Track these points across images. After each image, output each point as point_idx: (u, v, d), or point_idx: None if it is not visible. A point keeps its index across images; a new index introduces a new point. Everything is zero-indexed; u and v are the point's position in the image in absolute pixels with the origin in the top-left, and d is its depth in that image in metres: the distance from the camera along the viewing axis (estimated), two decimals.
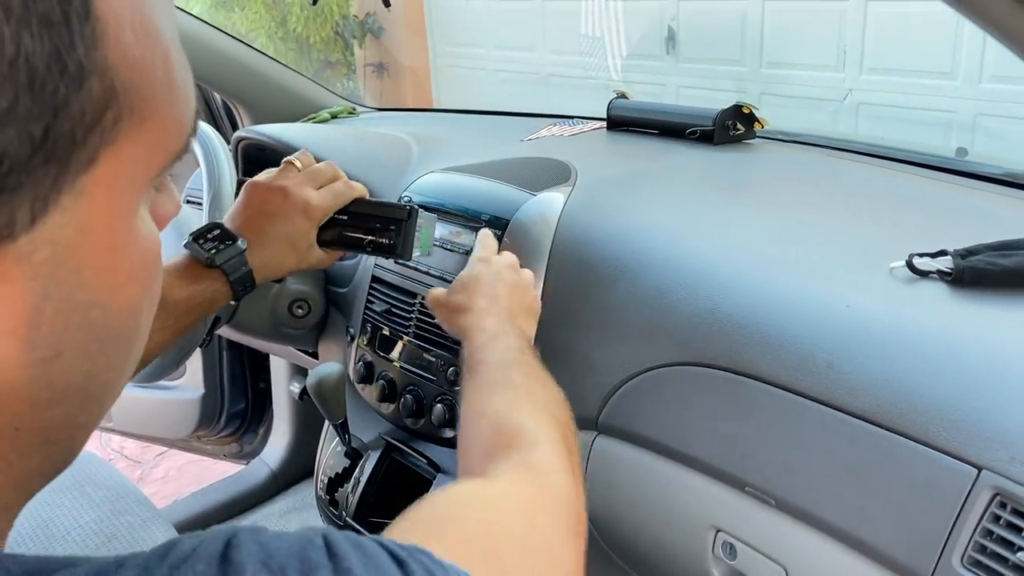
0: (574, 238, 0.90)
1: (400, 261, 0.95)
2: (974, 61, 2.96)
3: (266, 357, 1.67)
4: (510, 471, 0.53)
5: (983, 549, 0.58)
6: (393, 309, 1.02)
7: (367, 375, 1.04)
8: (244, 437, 1.86)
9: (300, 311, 1.11)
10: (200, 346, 1.08)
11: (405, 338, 1.00)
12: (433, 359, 0.97)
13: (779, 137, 1.21)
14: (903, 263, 0.74)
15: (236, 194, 1.07)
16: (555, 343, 0.89)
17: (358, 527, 1.03)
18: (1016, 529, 0.57)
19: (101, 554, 1.08)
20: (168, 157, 0.29)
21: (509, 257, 0.85)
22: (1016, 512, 0.57)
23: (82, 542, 1.04)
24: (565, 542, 0.47)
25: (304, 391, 1.06)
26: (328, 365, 0.98)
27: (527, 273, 0.84)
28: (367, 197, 0.87)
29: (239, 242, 0.77)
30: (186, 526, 1.66)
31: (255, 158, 1.33)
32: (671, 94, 3.94)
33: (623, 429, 0.83)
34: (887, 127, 3.29)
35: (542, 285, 0.90)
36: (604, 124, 1.29)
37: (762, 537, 0.73)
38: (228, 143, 1.27)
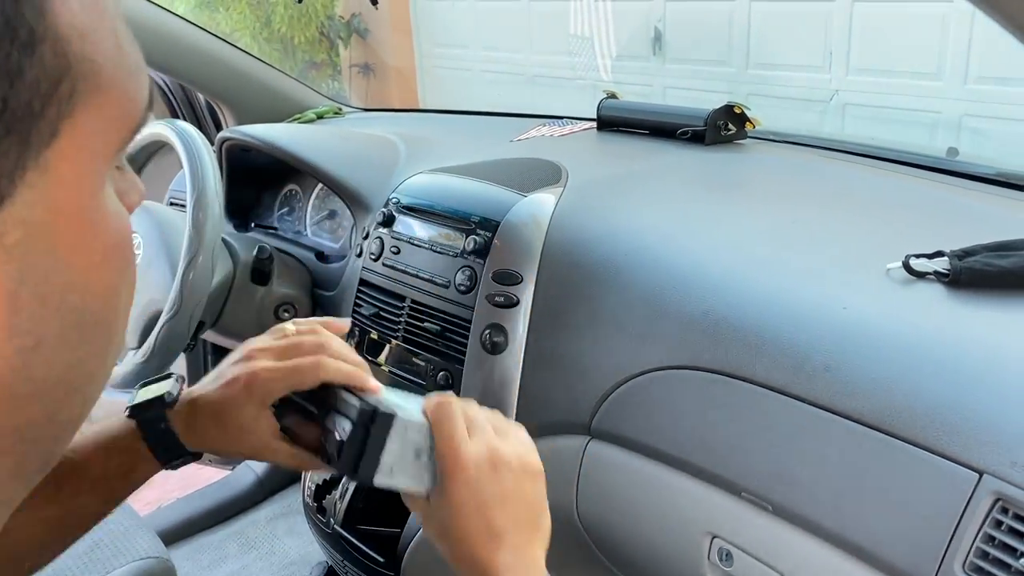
0: (565, 240, 0.89)
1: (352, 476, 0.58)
2: (960, 62, 2.97)
3: None
4: None
5: (985, 555, 0.57)
6: (381, 312, 1.00)
7: None
8: None
9: (287, 315, 1.09)
10: (184, 350, 1.06)
11: (394, 342, 0.99)
12: (423, 363, 0.95)
13: (770, 137, 1.20)
14: (899, 264, 0.73)
15: (221, 195, 1.06)
16: (546, 346, 0.87)
17: (346, 535, 1.01)
18: (1019, 535, 0.56)
19: (84, 563, 1.05)
20: (126, 131, 0.29)
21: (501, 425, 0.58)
22: (1018, 517, 0.56)
23: (65, 551, 1.02)
24: None
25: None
26: None
27: (530, 454, 0.58)
28: (344, 380, 0.58)
29: (166, 393, 0.60)
30: (171, 533, 1.63)
31: (239, 159, 1.31)
32: (658, 95, 3.94)
33: (616, 433, 0.82)
34: (874, 127, 3.30)
35: (533, 287, 0.88)
36: (594, 124, 1.28)
37: (759, 543, 0.71)
38: (212, 144, 1.25)
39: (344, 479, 1.03)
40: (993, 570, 0.57)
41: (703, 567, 0.76)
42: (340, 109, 1.60)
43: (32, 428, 0.28)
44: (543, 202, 0.92)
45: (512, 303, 0.88)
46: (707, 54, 3.78)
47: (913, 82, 3.11)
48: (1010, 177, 1.00)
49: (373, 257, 1.04)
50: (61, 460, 0.50)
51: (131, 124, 0.29)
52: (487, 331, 0.89)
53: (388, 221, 1.02)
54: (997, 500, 0.57)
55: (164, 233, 1.10)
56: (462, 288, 0.92)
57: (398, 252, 1.01)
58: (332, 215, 1.27)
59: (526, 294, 0.88)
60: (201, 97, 1.60)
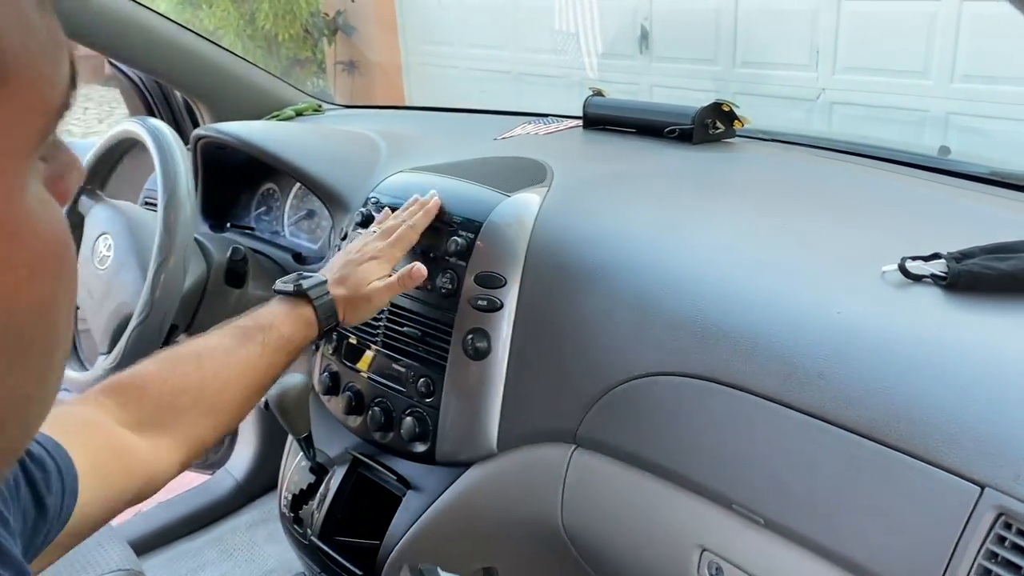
0: (550, 241, 0.86)
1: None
2: (946, 60, 2.97)
3: None
4: None
5: (987, 573, 0.55)
6: None
7: (333, 386, 0.99)
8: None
9: None
10: None
11: (373, 347, 0.95)
12: (403, 369, 0.92)
13: (759, 136, 1.17)
14: (895, 267, 0.70)
15: (193, 195, 1.02)
16: (531, 352, 0.84)
17: (323, 546, 0.97)
18: (1022, 551, 0.54)
19: None
20: (45, 120, 0.25)
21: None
22: (1022, 533, 0.54)
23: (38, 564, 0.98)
24: None
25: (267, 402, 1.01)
26: (291, 377, 0.93)
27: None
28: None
29: (319, 275, 0.83)
30: (149, 541, 1.59)
31: (215, 157, 1.28)
32: (644, 93, 3.92)
33: (603, 442, 0.79)
34: (860, 126, 3.29)
35: (517, 290, 0.85)
36: (580, 123, 1.25)
37: (750, 558, 0.69)
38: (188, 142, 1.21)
39: (321, 489, 1.00)
40: None
41: None
42: (320, 106, 1.56)
43: None
44: (527, 202, 0.89)
45: (495, 307, 0.85)
46: (694, 52, 3.76)
47: (900, 80, 3.10)
48: (1004, 176, 0.98)
49: None
50: (262, 324, 0.76)
51: (50, 110, 0.25)
52: (470, 336, 0.86)
53: (367, 221, 0.99)
54: (1000, 515, 0.54)
55: (136, 234, 1.07)
56: (444, 291, 0.89)
57: None
58: (310, 215, 1.24)
59: (510, 297, 0.85)
60: (178, 94, 1.56)
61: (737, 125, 1.12)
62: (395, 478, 0.94)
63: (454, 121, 1.50)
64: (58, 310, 0.27)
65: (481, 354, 0.85)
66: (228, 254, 1.10)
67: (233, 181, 1.33)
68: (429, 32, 4.97)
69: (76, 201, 1.14)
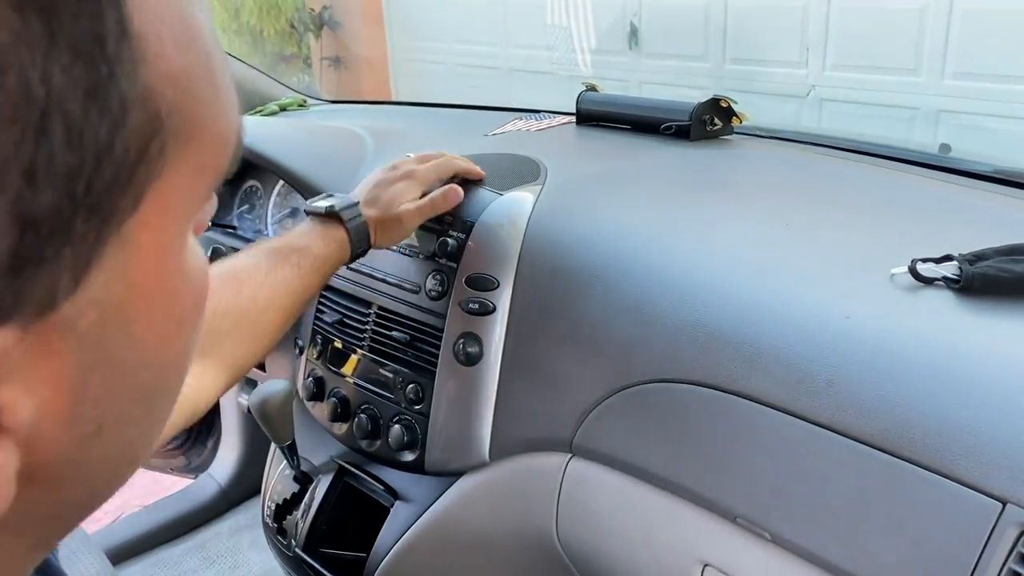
0: (545, 242, 0.82)
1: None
2: (937, 57, 2.95)
3: None
4: None
5: None
6: (346, 319, 0.93)
7: (317, 392, 0.95)
8: (191, 450, 1.75)
9: None
10: None
11: (359, 351, 0.92)
12: (390, 375, 0.88)
13: (758, 133, 1.14)
14: (905, 269, 0.67)
15: None
16: (525, 357, 0.81)
17: (308, 559, 0.94)
18: None
19: None
20: (216, 176, 0.24)
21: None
22: None
23: None
24: None
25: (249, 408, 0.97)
26: (273, 383, 0.89)
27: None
28: (466, 172, 0.88)
29: (351, 195, 0.81)
30: (127, 548, 1.55)
31: None
32: (633, 90, 3.90)
33: (601, 452, 0.76)
34: (851, 123, 3.28)
35: (510, 293, 0.82)
36: (573, 119, 1.21)
37: (755, 574, 0.66)
38: None
39: (305, 499, 0.96)
40: None
41: None
42: (305, 101, 1.52)
43: (66, 508, 0.24)
44: (521, 201, 0.86)
45: (487, 310, 0.82)
46: (683, 49, 3.74)
47: (890, 77, 3.09)
48: (1009, 175, 0.95)
49: None
50: (296, 245, 0.75)
51: (221, 167, 0.24)
52: (460, 340, 0.82)
53: None
54: (1023, 533, 0.52)
55: None
56: (433, 294, 0.85)
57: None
58: (294, 213, 1.20)
59: (502, 300, 0.82)
60: None
61: (735, 122, 1.09)
62: (383, 488, 0.91)
63: (443, 117, 1.46)
64: (190, 360, 0.26)
65: (472, 359, 0.82)
66: (208, 254, 1.06)
67: None
68: (416, 27, 4.92)
69: None
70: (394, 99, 5.07)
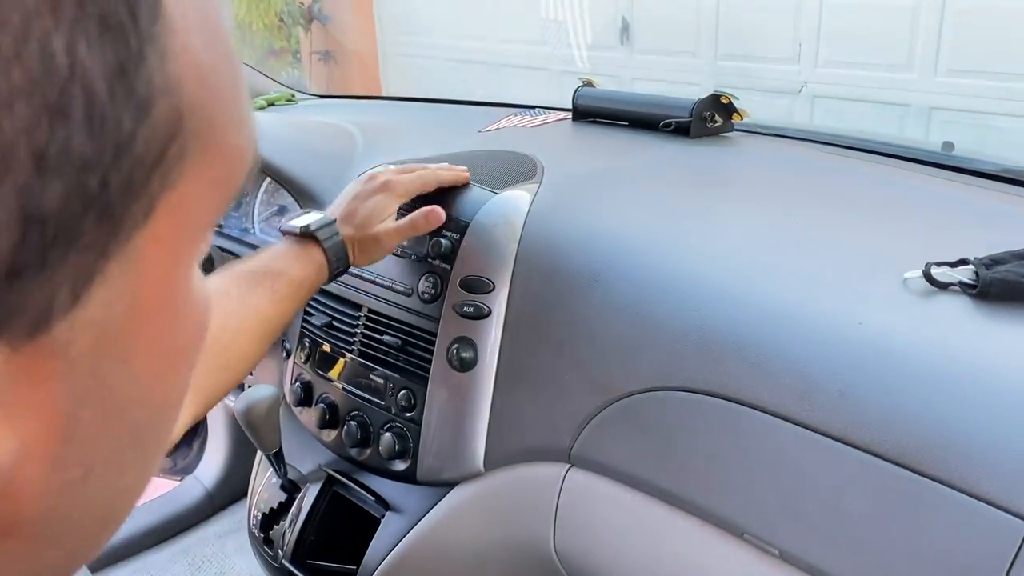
0: (542, 243, 0.79)
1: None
2: (929, 53, 2.94)
3: None
4: None
5: None
6: (335, 322, 0.90)
7: (305, 397, 0.91)
8: (177, 451, 1.72)
9: None
10: None
11: (348, 356, 0.88)
12: (381, 380, 0.85)
13: (758, 130, 1.12)
14: (919, 273, 0.65)
15: None
16: (521, 363, 0.78)
17: (295, 571, 0.90)
18: None
19: None
20: (232, 193, 0.22)
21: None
22: None
23: None
24: None
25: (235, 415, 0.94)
26: (259, 388, 0.85)
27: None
28: (452, 181, 0.85)
29: (327, 213, 0.79)
30: (110, 554, 1.51)
31: None
32: (625, 85, 3.87)
33: (601, 462, 0.73)
34: (843, 119, 3.27)
35: (506, 295, 0.79)
36: (569, 115, 1.18)
37: None
38: None
39: (292, 508, 0.93)
40: None
41: None
42: (293, 95, 1.49)
43: (47, 570, 0.22)
44: (517, 200, 0.83)
45: (482, 314, 0.79)
46: (675, 45, 3.72)
47: (883, 74, 3.08)
48: (1016, 173, 0.93)
49: None
50: (271, 269, 0.71)
51: (236, 184, 0.22)
52: (454, 345, 0.79)
53: None
54: None
55: None
56: (426, 296, 0.82)
57: None
58: (282, 211, 1.16)
59: (498, 304, 0.79)
60: None
61: (736, 118, 1.06)
62: (373, 498, 0.87)
63: (435, 112, 1.43)
64: (185, 397, 0.24)
65: (467, 365, 0.79)
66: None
67: None
68: (407, 21, 4.88)
69: None
70: (384, 93, 5.03)
